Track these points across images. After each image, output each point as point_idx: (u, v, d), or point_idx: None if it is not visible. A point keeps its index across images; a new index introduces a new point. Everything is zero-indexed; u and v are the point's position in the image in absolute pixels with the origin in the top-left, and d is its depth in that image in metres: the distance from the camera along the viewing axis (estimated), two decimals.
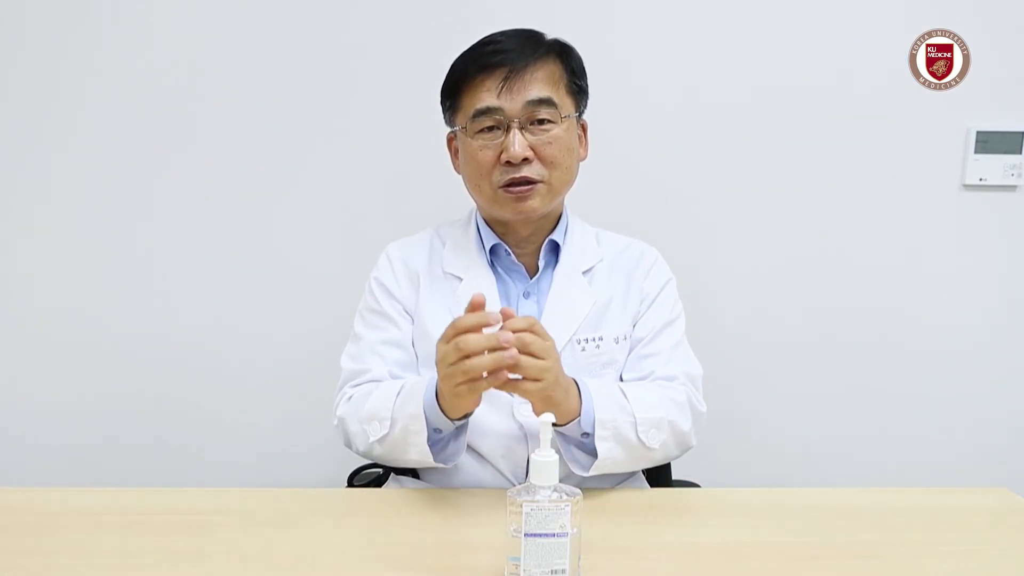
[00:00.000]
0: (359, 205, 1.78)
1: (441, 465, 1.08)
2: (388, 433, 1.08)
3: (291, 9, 1.73)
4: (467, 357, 0.94)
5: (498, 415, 1.16)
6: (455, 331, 0.95)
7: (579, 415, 1.05)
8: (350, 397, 1.18)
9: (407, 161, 1.76)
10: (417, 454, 1.06)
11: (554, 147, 1.14)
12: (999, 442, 1.87)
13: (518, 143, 1.12)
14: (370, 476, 1.28)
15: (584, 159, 1.24)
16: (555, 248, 1.24)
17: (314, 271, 1.80)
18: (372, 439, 1.10)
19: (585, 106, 1.22)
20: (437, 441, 1.08)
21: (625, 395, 1.10)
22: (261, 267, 1.81)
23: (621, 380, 1.22)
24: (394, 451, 1.10)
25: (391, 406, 1.09)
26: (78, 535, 0.94)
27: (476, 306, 0.96)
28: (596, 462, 1.05)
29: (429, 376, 1.07)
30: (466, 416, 1.06)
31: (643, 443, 1.07)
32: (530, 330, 0.97)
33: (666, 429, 1.11)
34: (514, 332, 0.95)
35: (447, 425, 1.05)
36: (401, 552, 0.91)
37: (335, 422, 1.20)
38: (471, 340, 0.94)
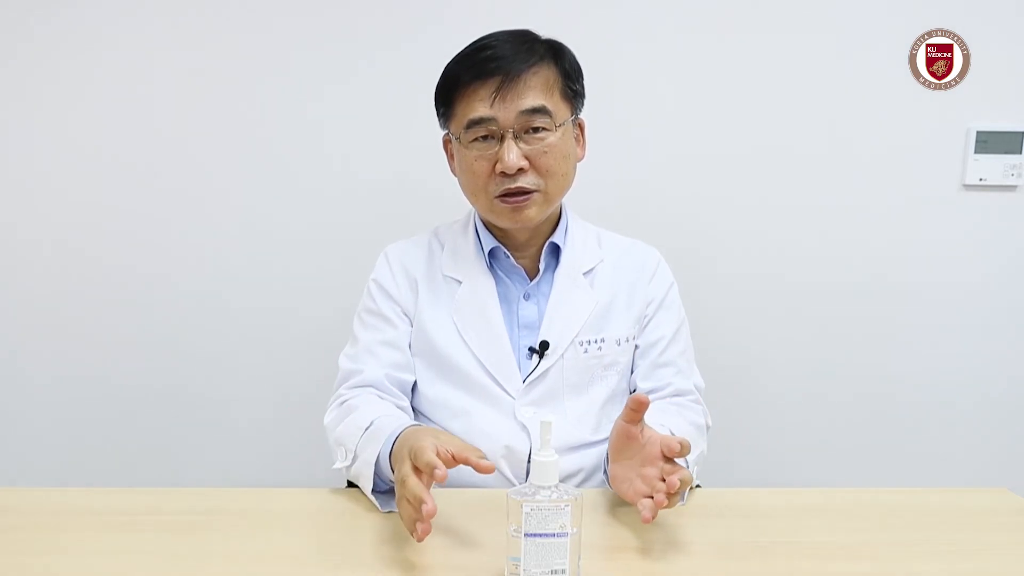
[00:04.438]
0: (358, 206, 1.78)
1: (389, 511, 1.02)
2: (350, 465, 1.06)
3: (289, 9, 1.73)
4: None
5: (499, 415, 1.16)
6: (408, 469, 0.89)
7: None
8: (342, 402, 1.16)
9: (405, 162, 1.76)
10: (367, 492, 1.04)
11: (549, 156, 1.13)
12: (999, 442, 1.87)
13: (512, 154, 1.10)
14: None
15: (582, 159, 1.23)
16: (556, 250, 1.23)
17: (314, 272, 1.80)
18: (338, 464, 1.09)
19: (581, 107, 1.21)
20: (388, 490, 1.04)
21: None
22: (260, 268, 1.81)
23: (630, 387, 1.23)
24: (355, 481, 1.08)
25: (357, 440, 1.06)
26: (78, 535, 0.94)
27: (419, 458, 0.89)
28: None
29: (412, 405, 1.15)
30: None
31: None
32: None
33: (701, 461, 1.16)
34: None
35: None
36: (401, 552, 0.90)
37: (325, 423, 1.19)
38: (405, 505, 0.87)
